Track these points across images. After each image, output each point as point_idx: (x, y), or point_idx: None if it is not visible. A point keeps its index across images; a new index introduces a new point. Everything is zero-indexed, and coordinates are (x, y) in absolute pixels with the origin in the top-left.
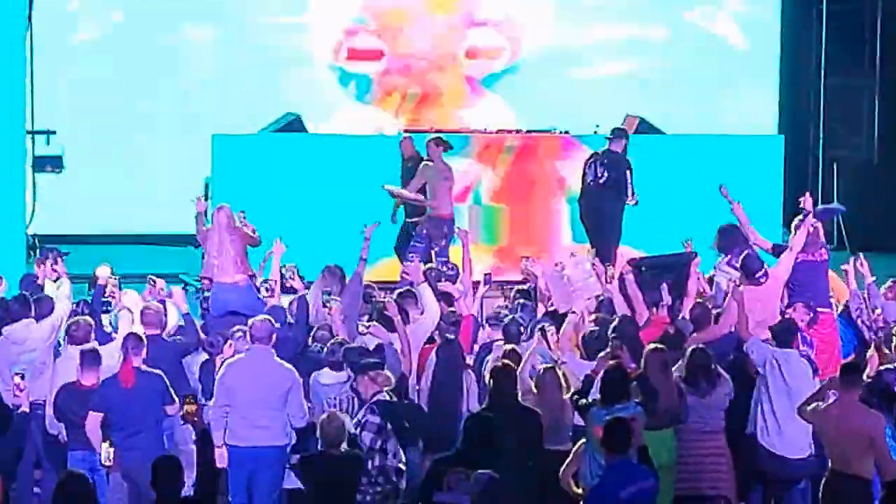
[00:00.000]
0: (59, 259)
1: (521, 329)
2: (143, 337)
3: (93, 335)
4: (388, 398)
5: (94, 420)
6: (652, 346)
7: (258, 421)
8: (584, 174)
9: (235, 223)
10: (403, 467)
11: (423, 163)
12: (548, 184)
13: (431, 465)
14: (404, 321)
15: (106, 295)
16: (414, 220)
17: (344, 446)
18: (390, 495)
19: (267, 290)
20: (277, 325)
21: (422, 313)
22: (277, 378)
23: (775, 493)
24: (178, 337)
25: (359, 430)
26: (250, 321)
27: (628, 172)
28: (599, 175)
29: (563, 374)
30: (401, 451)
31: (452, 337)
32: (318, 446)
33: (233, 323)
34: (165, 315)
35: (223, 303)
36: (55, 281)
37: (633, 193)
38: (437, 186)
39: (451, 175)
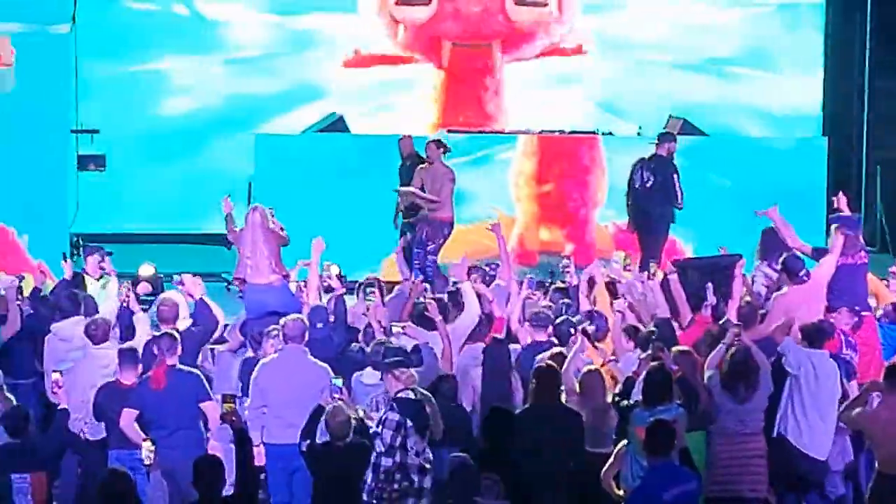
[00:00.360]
0: (105, 257)
1: (573, 330)
2: (177, 336)
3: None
4: (412, 396)
5: (127, 417)
6: (678, 348)
7: (293, 419)
8: (632, 178)
9: (269, 224)
10: (428, 465)
11: (421, 166)
12: (585, 182)
13: (454, 466)
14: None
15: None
16: (410, 220)
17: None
18: (410, 493)
19: (300, 289)
20: (320, 324)
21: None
22: (311, 377)
23: (806, 494)
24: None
25: (380, 427)
26: (282, 321)
27: (675, 176)
28: (646, 179)
29: (612, 376)
30: (427, 450)
31: (501, 337)
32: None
33: (272, 324)
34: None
35: (259, 304)
36: (98, 279)
37: (680, 197)
38: (441, 188)
39: (454, 177)
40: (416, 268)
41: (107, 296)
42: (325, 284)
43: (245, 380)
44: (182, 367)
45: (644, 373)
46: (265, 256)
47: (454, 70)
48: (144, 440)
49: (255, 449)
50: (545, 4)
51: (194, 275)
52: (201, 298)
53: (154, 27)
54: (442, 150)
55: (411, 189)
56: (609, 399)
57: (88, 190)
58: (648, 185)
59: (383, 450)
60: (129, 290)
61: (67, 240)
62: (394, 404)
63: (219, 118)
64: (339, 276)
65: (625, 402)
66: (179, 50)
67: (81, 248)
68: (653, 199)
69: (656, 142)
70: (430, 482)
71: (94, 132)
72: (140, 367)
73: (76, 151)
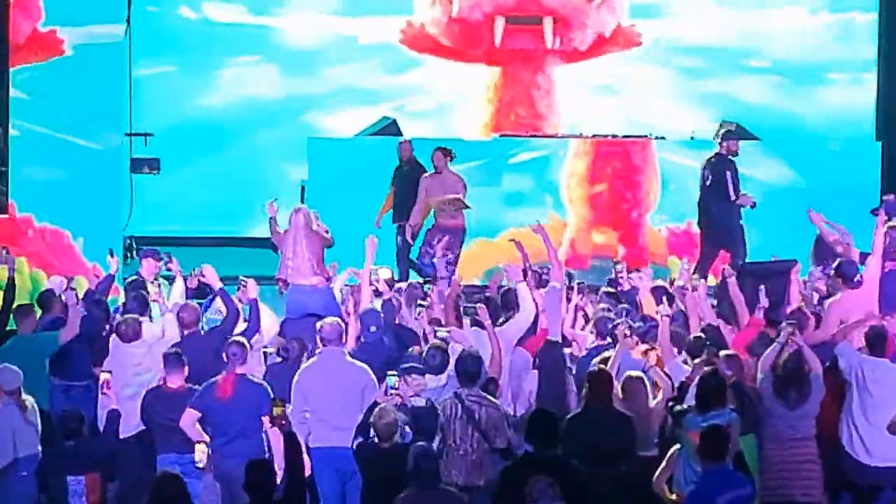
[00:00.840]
0: (171, 258)
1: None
2: (247, 344)
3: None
4: (421, 403)
5: (189, 417)
6: (726, 352)
7: (336, 422)
8: (700, 179)
9: (313, 226)
10: None
11: (428, 174)
12: (638, 184)
13: (502, 471)
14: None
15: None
16: (401, 223)
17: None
18: None
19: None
20: (373, 328)
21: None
22: (352, 379)
23: (863, 501)
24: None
25: None
26: (319, 324)
27: (729, 174)
28: (706, 178)
29: (656, 381)
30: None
31: (556, 340)
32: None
33: (312, 325)
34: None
35: (300, 305)
36: (153, 281)
37: (735, 194)
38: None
39: (466, 184)
40: (425, 266)
41: (171, 297)
42: (373, 288)
43: (272, 383)
44: (250, 377)
45: (698, 378)
46: (307, 258)
47: (506, 64)
48: (197, 443)
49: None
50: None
51: (253, 278)
52: (222, 288)
53: (208, 30)
54: (449, 157)
55: (449, 197)
56: (650, 404)
57: (142, 193)
58: (707, 183)
59: None
60: (158, 289)
61: (121, 242)
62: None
63: (273, 121)
64: (391, 280)
65: (678, 407)
66: (234, 52)
67: (135, 251)
68: (710, 198)
69: (718, 140)
70: None
71: (149, 135)
72: (186, 369)
73: (130, 154)
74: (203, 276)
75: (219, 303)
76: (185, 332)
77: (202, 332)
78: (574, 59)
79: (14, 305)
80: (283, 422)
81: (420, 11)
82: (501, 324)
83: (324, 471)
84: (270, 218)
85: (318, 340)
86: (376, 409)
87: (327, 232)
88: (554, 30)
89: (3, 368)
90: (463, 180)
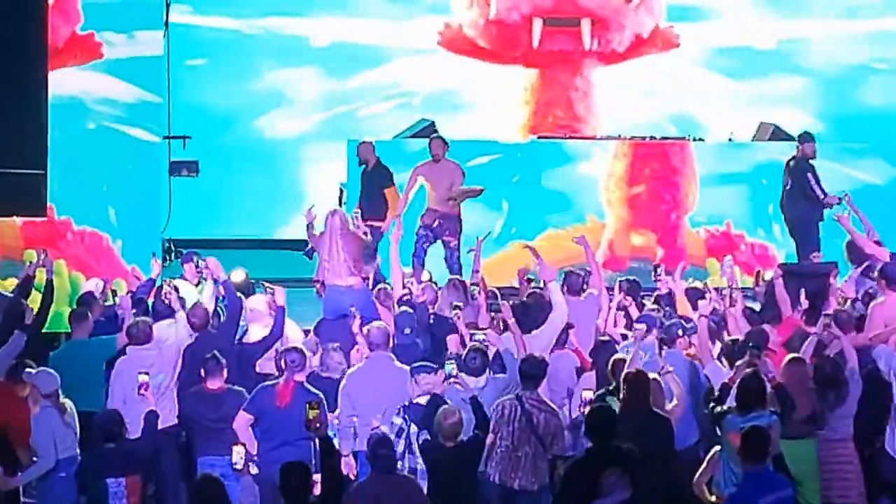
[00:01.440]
0: (204, 260)
1: (681, 332)
2: (306, 352)
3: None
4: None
5: (242, 419)
6: (791, 356)
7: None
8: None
9: (350, 227)
10: None
11: (423, 162)
12: (676, 185)
13: (570, 467)
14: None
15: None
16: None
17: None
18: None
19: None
20: (407, 330)
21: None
22: (400, 383)
23: None
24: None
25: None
26: (366, 328)
27: (809, 175)
28: (785, 182)
29: (676, 382)
30: None
31: (607, 339)
32: None
33: (346, 326)
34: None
35: (336, 305)
36: (196, 285)
37: (821, 193)
38: (453, 184)
39: (464, 172)
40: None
41: (202, 299)
42: (405, 291)
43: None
44: (307, 385)
45: (738, 379)
46: (343, 259)
47: (544, 66)
48: (236, 444)
49: (344, 459)
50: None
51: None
52: (226, 280)
53: (244, 33)
54: (447, 147)
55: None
56: (669, 406)
57: (181, 195)
58: (787, 187)
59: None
60: (169, 289)
61: (160, 245)
62: (401, 409)
63: (310, 123)
64: (429, 282)
65: (719, 409)
66: (272, 55)
67: (174, 253)
68: (791, 202)
69: (797, 143)
70: None
71: (187, 138)
72: (225, 372)
73: (169, 157)
74: (207, 267)
75: (253, 301)
76: (196, 333)
77: (212, 331)
78: (612, 61)
79: (52, 308)
80: (318, 425)
81: (458, 13)
82: (537, 327)
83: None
84: (308, 223)
85: (366, 344)
86: (441, 409)
87: (366, 234)
88: (592, 31)
89: (41, 372)
90: (461, 168)
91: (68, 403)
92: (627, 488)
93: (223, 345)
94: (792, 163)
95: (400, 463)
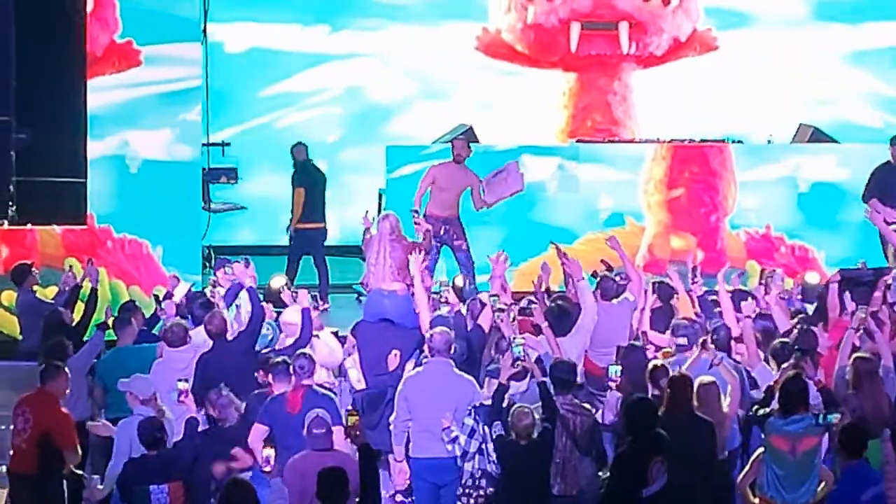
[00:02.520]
0: (231, 264)
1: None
2: (314, 358)
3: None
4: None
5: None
6: (859, 354)
7: (440, 433)
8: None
9: (400, 233)
10: None
11: (441, 162)
12: (716, 188)
13: (616, 458)
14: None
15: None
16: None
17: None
18: (492, 498)
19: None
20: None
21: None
22: (458, 390)
23: None
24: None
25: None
26: (428, 333)
27: None
28: (873, 186)
29: (728, 371)
30: None
31: (638, 344)
32: None
33: (383, 331)
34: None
35: (376, 309)
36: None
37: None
38: (472, 188)
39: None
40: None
41: (241, 302)
42: (443, 299)
43: None
44: (317, 388)
45: (781, 382)
46: (388, 265)
47: (582, 71)
48: (264, 448)
49: (397, 465)
50: (668, 3)
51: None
52: (252, 287)
53: (281, 39)
54: (470, 150)
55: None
56: (724, 408)
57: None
58: (879, 191)
59: (462, 454)
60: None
61: (200, 252)
62: (471, 410)
63: (349, 128)
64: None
65: (762, 411)
66: (310, 61)
67: (213, 260)
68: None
69: (890, 147)
70: None
71: (226, 145)
72: (293, 378)
73: (207, 164)
74: (234, 273)
75: (288, 315)
76: (214, 340)
77: (228, 340)
78: (650, 65)
79: (98, 316)
80: (357, 433)
81: (495, 18)
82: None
83: (422, 481)
84: (365, 229)
85: (427, 350)
86: (515, 409)
87: (428, 231)
88: (630, 35)
89: (136, 378)
90: (476, 174)
91: (166, 408)
92: (665, 474)
93: (238, 353)
94: (886, 167)
95: (470, 464)
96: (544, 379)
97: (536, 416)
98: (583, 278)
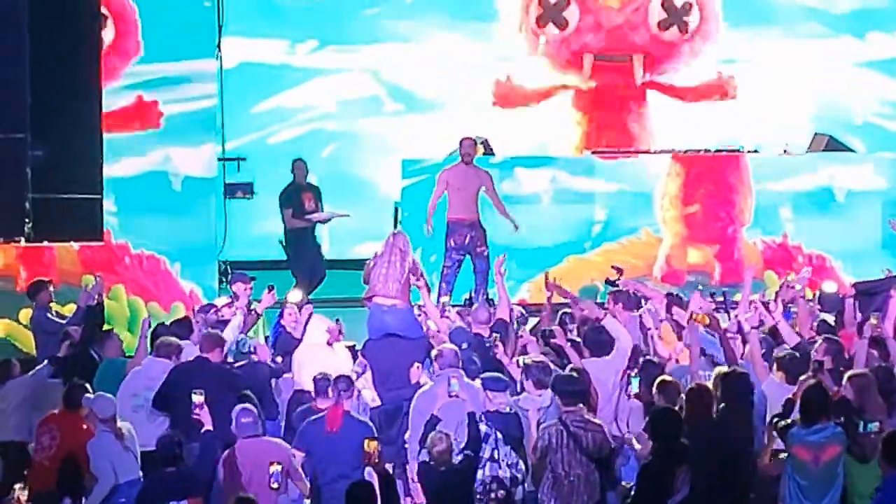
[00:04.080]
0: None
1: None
2: (353, 379)
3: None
4: (507, 410)
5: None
6: (851, 372)
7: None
8: None
9: (406, 251)
10: (520, 476)
11: (450, 166)
12: (732, 201)
13: (643, 468)
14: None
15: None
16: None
17: None
18: (505, 502)
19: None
20: (465, 345)
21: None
22: (470, 399)
23: None
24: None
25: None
26: (437, 348)
27: None
28: None
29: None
30: (520, 462)
31: (657, 360)
32: None
33: (391, 346)
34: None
35: (380, 325)
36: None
37: None
38: (486, 188)
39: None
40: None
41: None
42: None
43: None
44: (354, 414)
45: (801, 391)
46: (394, 280)
47: (597, 89)
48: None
49: (412, 485)
50: (686, 32)
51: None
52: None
53: (296, 55)
54: (477, 148)
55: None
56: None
57: (236, 217)
58: None
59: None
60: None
61: (216, 267)
62: (484, 416)
63: (364, 143)
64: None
65: (783, 423)
66: (326, 76)
67: (230, 276)
68: None
69: None
70: (522, 493)
71: (242, 160)
72: (332, 392)
73: (224, 179)
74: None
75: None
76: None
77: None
78: (665, 92)
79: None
80: (377, 460)
81: (503, 46)
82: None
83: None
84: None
85: (437, 364)
86: (431, 435)
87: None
88: (644, 67)
89: (98, 396)
90: (489, 172)
91: (126, 426)
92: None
93: (210, 378)
94: None
95: (481, 472)
96: (472, 409)
97: (452, 442)
98: (603, 316)
